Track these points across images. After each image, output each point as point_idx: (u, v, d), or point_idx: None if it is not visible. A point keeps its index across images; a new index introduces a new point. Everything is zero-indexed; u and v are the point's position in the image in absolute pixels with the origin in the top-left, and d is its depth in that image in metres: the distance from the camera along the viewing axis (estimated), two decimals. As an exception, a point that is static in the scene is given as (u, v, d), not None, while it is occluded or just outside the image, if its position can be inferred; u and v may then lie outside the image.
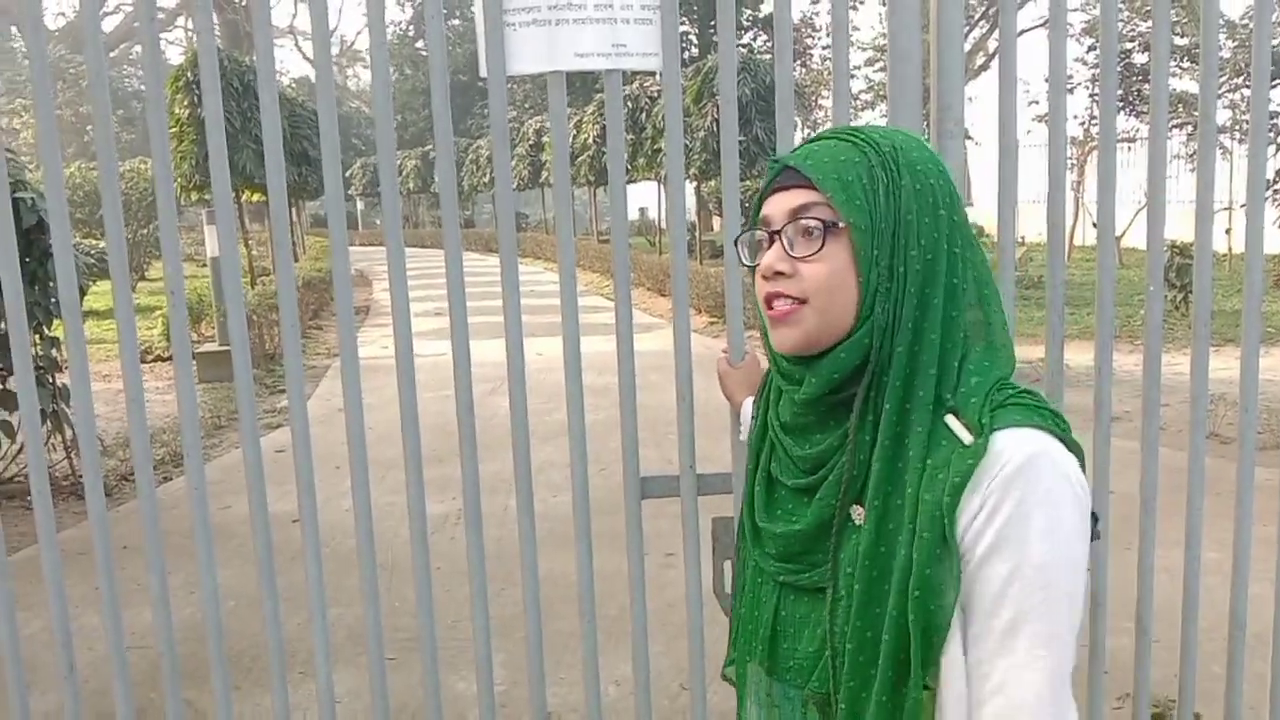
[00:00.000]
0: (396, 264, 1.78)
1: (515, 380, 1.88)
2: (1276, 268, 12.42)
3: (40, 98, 1.74)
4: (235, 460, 6.26)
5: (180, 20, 37.04)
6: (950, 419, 0.92)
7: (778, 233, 0.98)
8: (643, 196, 30.53)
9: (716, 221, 23.59)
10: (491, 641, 1.96)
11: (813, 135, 1.03)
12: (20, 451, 5.78)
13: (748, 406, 1.55)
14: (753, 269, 1.03)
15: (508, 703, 3.18)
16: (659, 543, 3.79)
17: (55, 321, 5.39)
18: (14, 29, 32.53)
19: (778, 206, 0.99)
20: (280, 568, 2.07)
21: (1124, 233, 14.64)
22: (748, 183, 16.41)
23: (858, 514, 0.95)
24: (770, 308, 0.99)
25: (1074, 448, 0.92)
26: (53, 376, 5.47)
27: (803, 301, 0.96)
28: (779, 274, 0.97)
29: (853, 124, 1.10)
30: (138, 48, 40.30)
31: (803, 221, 0.96)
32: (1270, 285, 12.12)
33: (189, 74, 12.12)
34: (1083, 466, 0.92)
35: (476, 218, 36.04)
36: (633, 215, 31.73)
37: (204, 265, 11.27)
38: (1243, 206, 2.01)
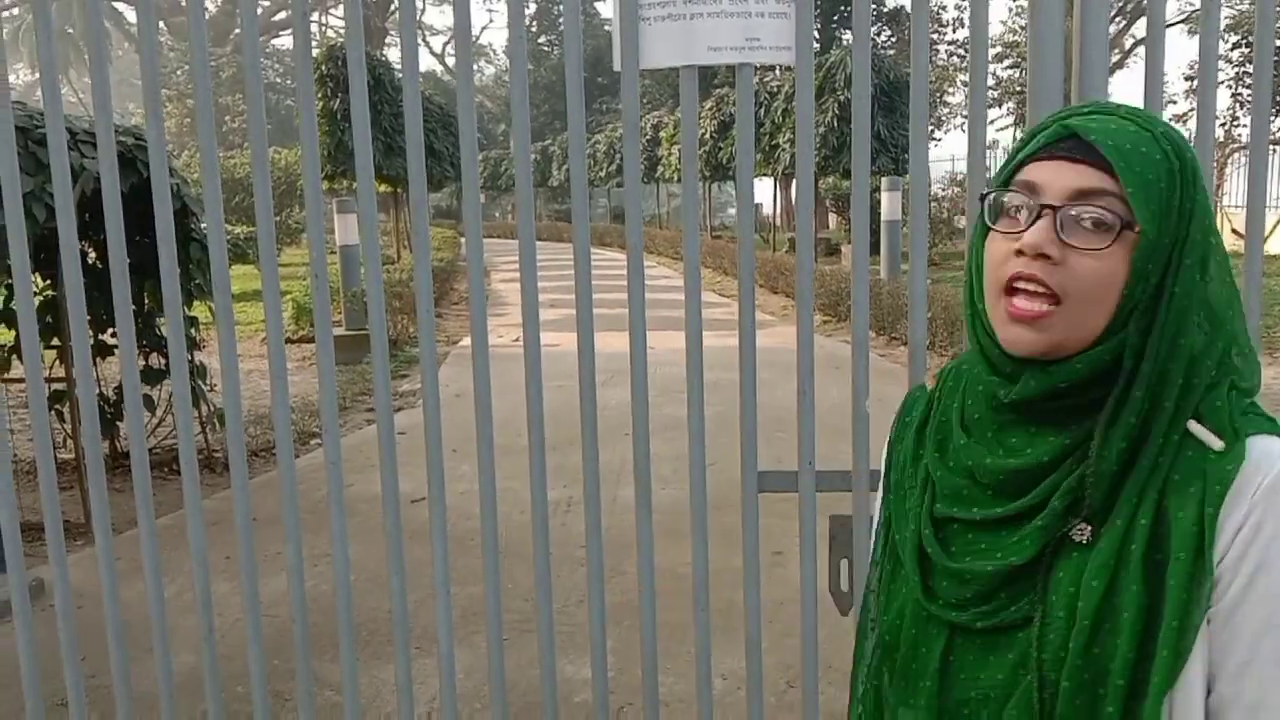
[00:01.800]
0: (528, 257, 1.83)
1: (638, 372, 1.90)
2: None
3: (200, 93, 1.84)
4: (356, 441, 6.48)
5: (314, 15, 38.38)
6: (1194, 425, 0.85)
7: (1052, 208, 0.85)
8: (757, 192, 30.35)
9: (833, 219, 23.30)
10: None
11: (1088, 104, 0.92)
12: (159, 425, 6.11)
13: None
14: (985, 233, 0.91)
15: (615, 689, 3.22)
16: (767, 541, 3.77)
17: (195, 302, 5.68)
18: (161, 24, 34.23)
19: (1055, 178, 0.86)
20: (404, 545, 2.14)
21: (1267, 238, 13.91)
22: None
23: (1079, 530, 0.86)
24: (1012, 293, 0.87)
25: None
26: (191, 355, 5.76)
27: (1056, 300, 0.85)
28: (1043, 256, 0.85)
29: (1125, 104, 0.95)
30: (275, 41, 41.97)
31: (1092, 209, 0.84)
32: None
33: (323, 67, 12.58)
34: None
35: (591, 211, 36.38)
36: (746, 211, 31.49)
37: (332, 252, 11.69)
38: None
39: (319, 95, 12.74)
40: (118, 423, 5.64)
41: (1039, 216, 0.86)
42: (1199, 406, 0.85)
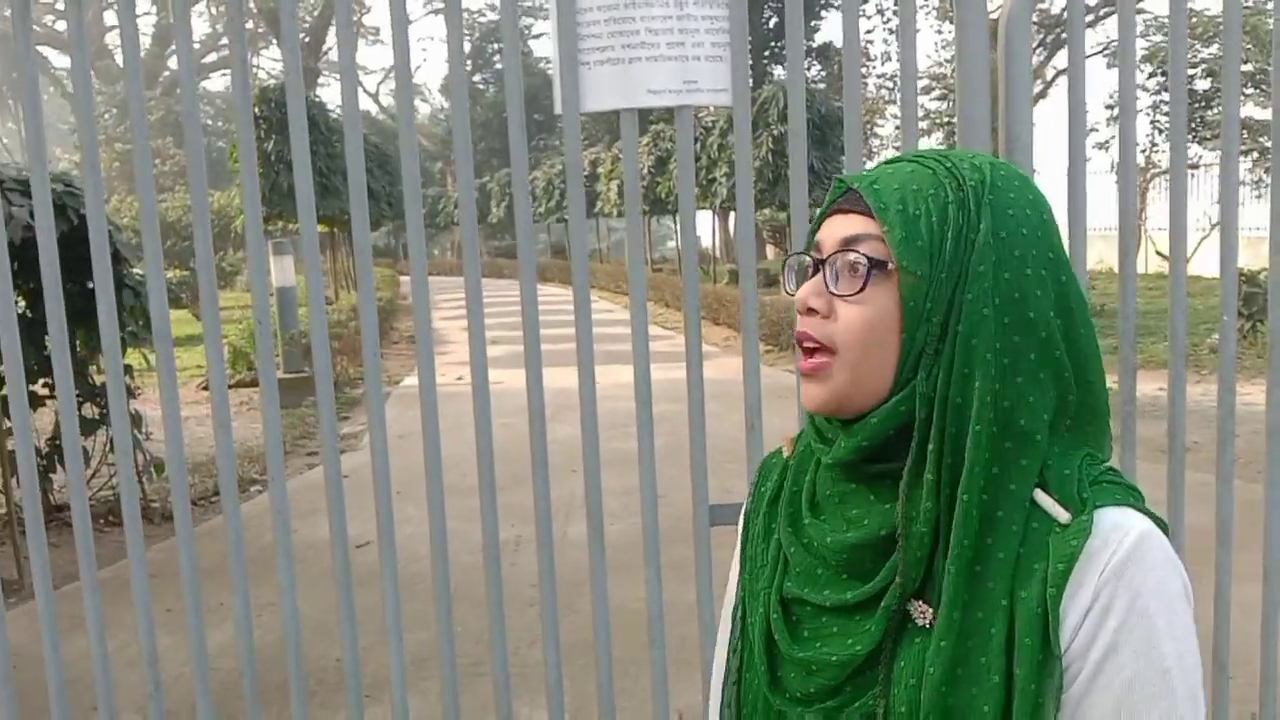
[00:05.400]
0: (474, 293, 1.83)
1: (587, 407, 1.91)
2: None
3: (137, 140, 1.82)
4: (298, 486, 6.37)
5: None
6: (1039, 494, 0.78)
7: (824, 262, 0.83)
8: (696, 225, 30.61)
9: (770, 250, 23.62)
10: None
11: (895, 157, 0.88)
12: (93, 476, 5.95)
13: None
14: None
15: (569, 729, 3.19)
16: (720, 573, 3.79)
17: (128, 350, 5.56)
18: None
19: (830, 232, 0.84)
20: (354, 591, 2.12)
21: (1190, 258, 14.37)
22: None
23: (920, 612, 0.80)
24: (803, 350, 0.83)
25: (1167, 533, 0.79)
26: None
27: (831, 351, 0.81)
28: (812, 310, 0.83)
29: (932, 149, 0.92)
30: (204, 84, 41.56)
31: (850, 255, 0.81)
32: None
33: (256, 109, 12.48)
34: None
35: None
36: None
37: (269, 294, 11.52)
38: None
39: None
40: (50, 475, 5.50)
41: (816, 272, 0.84)
42: (1044, 474, 0.79)
